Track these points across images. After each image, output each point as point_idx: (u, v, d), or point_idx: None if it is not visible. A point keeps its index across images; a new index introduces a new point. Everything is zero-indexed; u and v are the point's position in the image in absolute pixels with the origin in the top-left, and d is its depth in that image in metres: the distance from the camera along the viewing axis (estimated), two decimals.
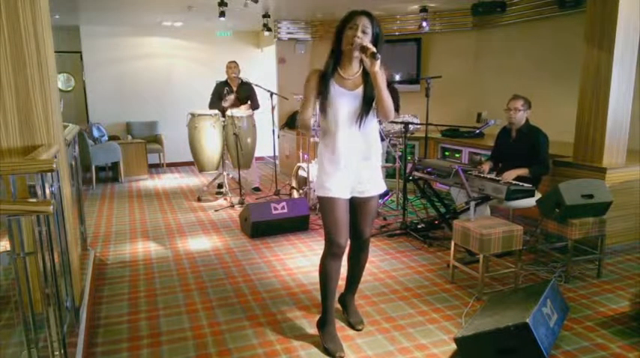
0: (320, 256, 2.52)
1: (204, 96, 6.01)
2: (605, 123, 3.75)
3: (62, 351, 1.87)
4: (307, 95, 2.44)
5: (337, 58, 2.39)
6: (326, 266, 2.48)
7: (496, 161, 4.07)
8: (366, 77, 2.36)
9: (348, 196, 2.46)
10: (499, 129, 4.14)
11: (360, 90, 2.39)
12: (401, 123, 4.70)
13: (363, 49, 2.23)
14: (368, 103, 2.38)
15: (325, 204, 2.43)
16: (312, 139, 5.25)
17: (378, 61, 2.20)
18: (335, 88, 2.37)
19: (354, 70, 2.40)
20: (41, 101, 2.27)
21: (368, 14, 2.29)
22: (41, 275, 1.75)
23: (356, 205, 2.51)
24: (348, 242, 2.53)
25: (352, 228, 2.57)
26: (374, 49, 2.20)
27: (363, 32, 2.26)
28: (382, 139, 5.00)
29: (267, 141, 6.89)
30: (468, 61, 6.49)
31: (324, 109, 2.41)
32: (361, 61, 2.36)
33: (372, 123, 2.44)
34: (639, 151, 4.30)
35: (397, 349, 2.52)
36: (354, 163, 2.41)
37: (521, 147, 3.83)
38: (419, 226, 4.41)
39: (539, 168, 3.74)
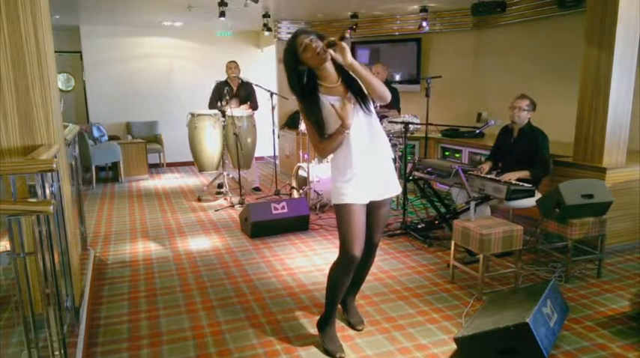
0: (321, 256, 2.53)
1: (204, 96, 6.01)
2: (605, 123, 3.75)
3: (62, 351, 1.87)
4: (310, 125, 2.36)
5: (312, 76, 2.30)
6: (337, 275, 2.44)
7: (495, 160, 4.07)
8: (348, 82, 2.32)
9: (367, 201, 2.39)
10: (500, 128, 4.15)
11: (349, 95, 2.32)
12: (401, 123, 4.70)
13: (328, 45, 2.15)
14: (362, 96, 2.33)
15: (341, 212, 2.36)
16: None
17: (348, 55, 2.14)
18: (327, 99, 2.31)
19: (334, 78, 2.33)
20: (41, 101, 2.27)
21: (302, 32, 2.24)
22: (41, 275, 1.75)
23: (371, 209, 2.45)
24: None
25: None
26: (330, 38, 2.13)
27: (311, 41, 2.20)
28: None
29: (267, 141, 6.89)
30: (468, 61, 6.49)
31: (326, 124, 2.34)
32: (335, 65, 2.29)
33: (373, 118, 2.40)
34: (639, 151, 4.30)
35: (397, 349, 2.52)
36: (366, 162, 2.35)
37: (522, 147, 3.83)
38: (419, 226, 4.41)
39: (540, 169, 3.74)
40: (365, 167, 2.35)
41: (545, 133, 3.80)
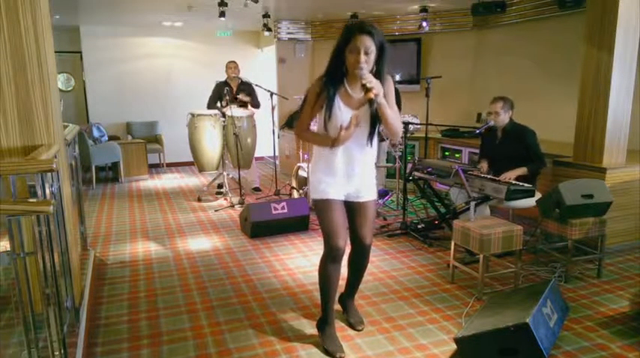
0: (320, 256, 2.51)
1: (204, 96, 6.01)
2: (605, 123, 3.75)
3: (62, 351, 1.87)
4: (308, 107, 2.39)
5: (342, 75, 2.31)
6: (326, 269, 2.46)
7: (487, 159, 4.07)
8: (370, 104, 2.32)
9: (343, 198, 2.46)
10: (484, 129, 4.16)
11: (365, 109, 2.32)
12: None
13: (364, 89, 2.14)
14: (374, 123, 2.35)
15: (321, 207, 2.42)
16: None
17: (380, 97, 2.16)
18: (340, 106, 2.32)
19: (359, 89, 2.31)
20: (41, 101, 2.27)
21: (368, 31, 2.16)
22: (41, 275, 1.74)
23: (354, 209, 2.49)
24: (348, 242, 2.52)
25: (353, 233, 2.55)
26: (372, 96, 2.11)
27: (366, 54, 2.16)
28: (382, 140, 5.00)
29: (267, 141, 6.89)
30: (468, 61, 6.49)
31: (325, 120, 2.35)
32: None
33: (373, 143, 2.44)
34: (639, 151, 4.30)
35: (397, 349, 2.52)
36: (349, 176, 2.42)
37: (509, 146, 3.84)
38: (419, 226, 4.41)
39: (537, 164, 3.76)
40: (345, 174, 2.41)
41: (531, 129, 3.81)
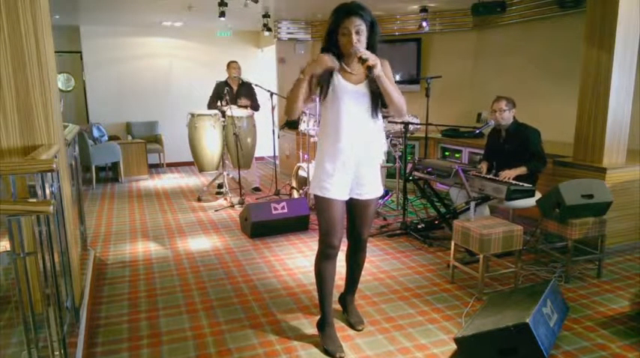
0: None
1: (204, 96, 6.02)
2: (605, 123, 3.75)
3: (62, 351, 1.87)
4: (306, 74, 2.30)
5: (339, 57, 2.32)
6: (321, 267, 2.47)
7: (490, 161, 4.08)
8: (371, 81, 2.32)
9: (346, 198, 2.44)
10: (490, 130, 4.16)
11: (364, 84, 2.33)
12: (401, 123, 4.70)
13: (361, 61, 2.17)
14: (375, 98, 2.34)
15: (322, 204, 2.40)
16: (312, 139, 5.25)
17: (378, 67, 2.16)
18: (340, 81, 2.32)
19: (356, 67, 2.32)
20: (41, 101, 2.27)
21: (356, 12, 2.19)
22: (41, 275, 1.75)
23: (355, 206, 2.49)
24: (344, 240, 2.51)
25: (350, 229, 2.56)
26: (370, 63, 2.13)
27: (357, 33, 2.20)
28: None
29: (267, 141, 6.89)
30: (468, 61, 6.49)
31: (327, 102, 2.34)
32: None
33: (376, 120, 2.40)
34: (639, 151, 4.30)
35: (397, 349, 2.52)
36: (354, 162, 2.37)
37: (512, 146, 3.84)
38: (419, 226, 4.41)
39: (537, 163, 3.74)
40: (350, 167, 2.38)
41: (534, 128, 3.81)
